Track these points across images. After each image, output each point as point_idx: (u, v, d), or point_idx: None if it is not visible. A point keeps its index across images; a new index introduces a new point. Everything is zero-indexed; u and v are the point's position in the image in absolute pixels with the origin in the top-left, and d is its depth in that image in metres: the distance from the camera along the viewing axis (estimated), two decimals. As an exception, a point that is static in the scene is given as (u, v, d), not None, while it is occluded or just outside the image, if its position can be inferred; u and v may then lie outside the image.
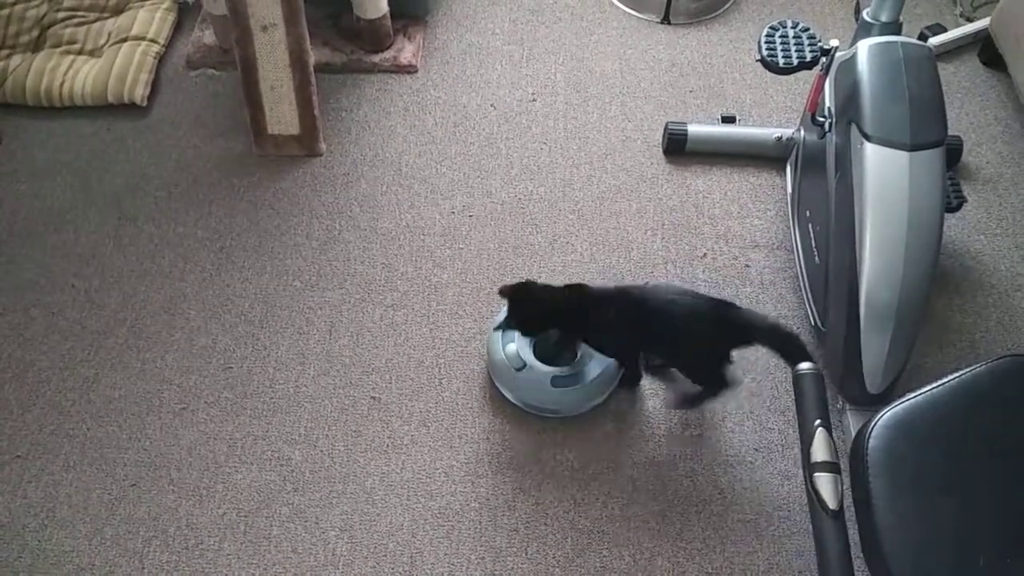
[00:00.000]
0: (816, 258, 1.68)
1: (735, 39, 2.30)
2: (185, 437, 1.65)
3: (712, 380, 1.57)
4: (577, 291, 1.54)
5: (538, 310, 1.55)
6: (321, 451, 1.62)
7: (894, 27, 1.64)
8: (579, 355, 1.64)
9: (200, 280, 1.86)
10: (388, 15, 2.20)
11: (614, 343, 1.58)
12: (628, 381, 1.67)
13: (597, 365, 1.62)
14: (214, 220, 1.96)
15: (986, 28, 2.15)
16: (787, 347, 1.47)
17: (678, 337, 1.50)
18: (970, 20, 2.29)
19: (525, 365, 1.62)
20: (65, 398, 1.70)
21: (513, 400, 1.65)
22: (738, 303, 1.54)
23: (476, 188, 2.00)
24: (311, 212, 1.97)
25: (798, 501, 1.56)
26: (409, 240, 1.92)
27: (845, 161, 1.54)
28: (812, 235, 1.72)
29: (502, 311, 1.68)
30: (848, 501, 1.08)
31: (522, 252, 1.89)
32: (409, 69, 2.23)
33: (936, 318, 1.77)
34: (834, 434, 1.12)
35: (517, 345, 1.64)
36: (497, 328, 1.65)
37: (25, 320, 1.81)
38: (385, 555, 1.51)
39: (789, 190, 1.94)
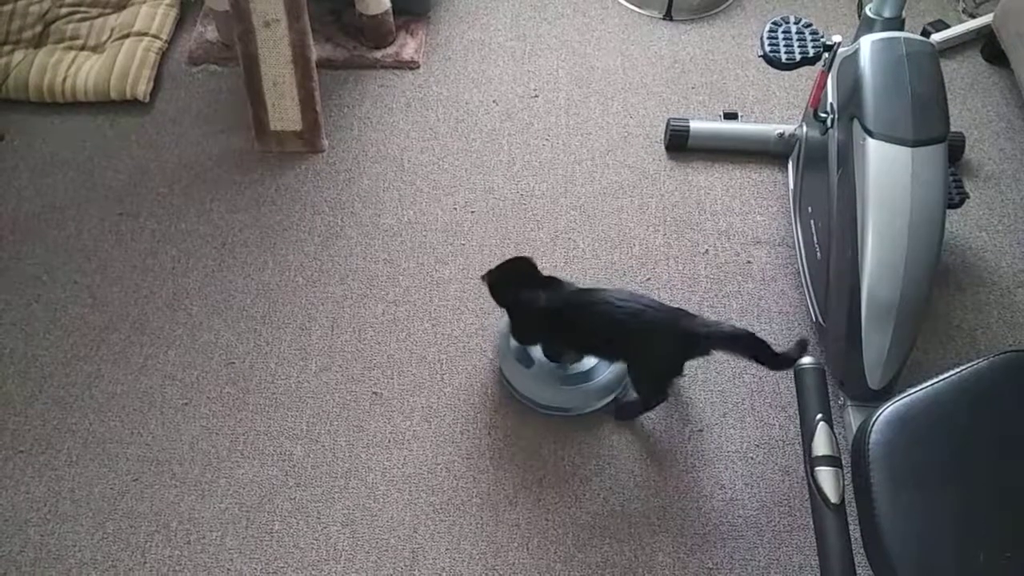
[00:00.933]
0: (818, 254, 1.68)
1: (737, 35, 2.30)
2: (187, 432, 1.65)
3: (653, 391, 1.57)
4: (546, 282, 1.54)
5: (509, 283, 1.56)
6: (323, 446, 1.63)
7: (897, 23, 1.64)
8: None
9: (202, 276, 1.86)
10: (390, 11, 2.20)
11: (534, 336, 1.60)
12: (621, 412, 1.66)
13: (605, 364, 1.62)
14: (216, 216, 1.96)
15: (989, 24, 2.15)
16: (757, 353, 1.45)
17: (629, 344, 1.50)
18: (973, 16, 2.28)
19: (534, 363, 1.62)
20: (68, 393, 1.70)
21: (522, 399, 1.65)
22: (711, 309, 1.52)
23: (478, 184, 2.00)
24: (313, 208, 1.97)
25: (799, 496, 1.56)
26: (411, 236, 1.92)
27: (847, 157, 1.53)
28: (814, 231, 1.72)
29: None
30: (849, 495, 1.08)
31: (524, 248, 1.89)
32: (411, 65, 2.23)
33: (937, 314, 1.77)
34: (835, 429, 1.12)
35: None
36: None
37: (27, 316, 1.81)
38: (387, 550, 1.51)
39: (791, 186, 1.94)
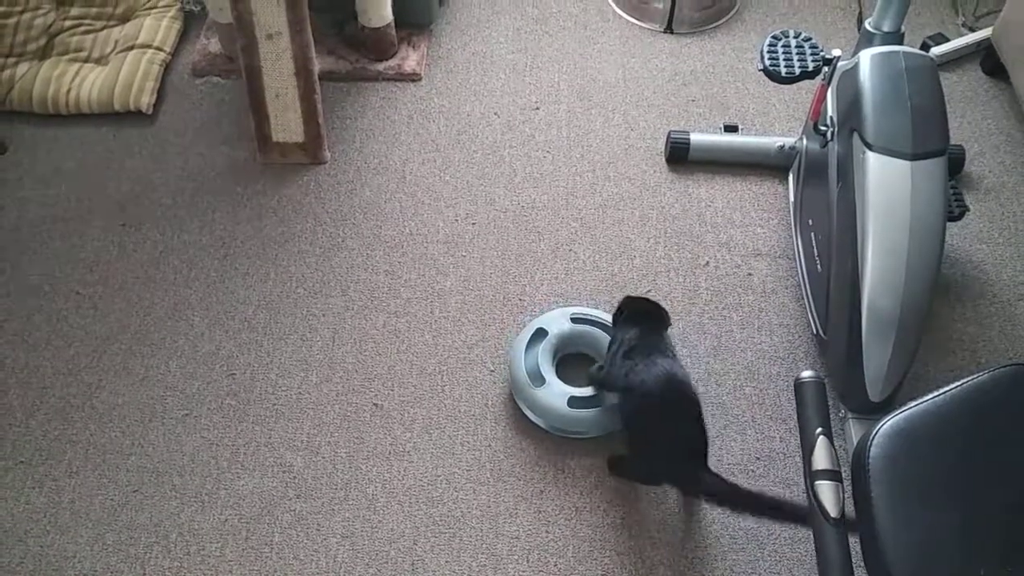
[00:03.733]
0: (818, 266, 1.69)
1: (738, 48, 2.31)
2: (188, 443, 1.65)
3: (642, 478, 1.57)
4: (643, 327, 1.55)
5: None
6: (323, 458, 1.63)
7: (896, 37, 1.65)
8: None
9: (204, 287, 1.87)
10: (392, 24, 2.21)
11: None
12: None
13: None
14: (218, 227, 1.97)
15: (988, 38, 2.16)
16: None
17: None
18: (972, 30, 2.29)
19: (544, 382, 1.61)
20: (68, 404, 1.70)
21: (533, 419, 1.64)
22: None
23: (479, 196, 2.01)
24: (315, 219, 1.98)
25: (800, 510, 1.56)
26: (412, 247, 1.92)
27: (847, 170, 1.54)
28: (814, 244, 1.72)
29: (527, 327, 1.68)
30: (849, 508, 1.08)
31: (525, 260, 1.90)
32: (413, 77, 2.24)
33: (938, 327, 1.77)
34: (835, 442, 1.12)
35: (539, 361, 1.63)
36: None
37: (29, 326, 1.82)
38: (386, 562, 1.51)
39: (791, 199, 1.95)
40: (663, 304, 1.61)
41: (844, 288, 1.52)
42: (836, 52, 1.69)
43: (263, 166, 2.08)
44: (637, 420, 1.49)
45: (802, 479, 1.55)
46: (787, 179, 2.00)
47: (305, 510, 1.57)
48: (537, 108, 2.18)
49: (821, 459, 1.08)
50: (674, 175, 2.05)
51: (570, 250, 1.91)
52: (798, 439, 1.59)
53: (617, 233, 1.94)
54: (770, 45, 1.76)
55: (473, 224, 1.96)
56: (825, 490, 1.05)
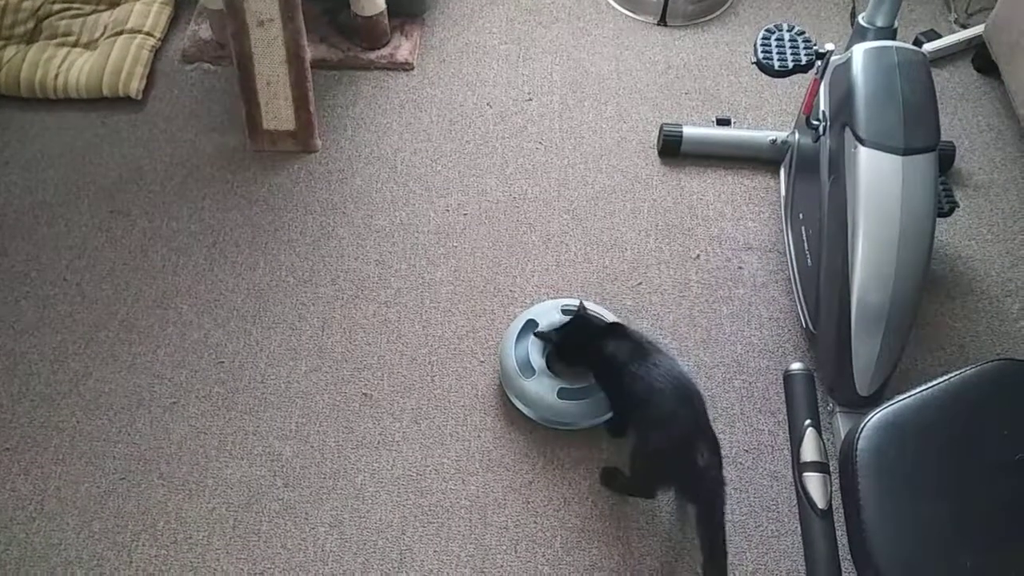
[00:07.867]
0: (809, 260, 1.69)
1: (731, 42, 2.31)
2: (175, 431, 1.64)
3: (639, 483, 1.55)
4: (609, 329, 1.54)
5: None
6: (312, 447, 1.62)
7: (889, 32, 1.65)
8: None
9: (193, 275, 1.86)
10: (385, 12, 2.20)
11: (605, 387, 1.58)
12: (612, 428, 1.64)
13: None
14: (208, 215, 1.96)
15: (980, 35, 2.16)
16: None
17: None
18: (964, 27, 2.30)
19: (535, 373, 1.61)
20: (55, 391, 1.69)
21: (522, 410, 1.64)
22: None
23: (471, 186, 2.01)
24: (305, 208, 1.97)
25: (787, 502, 1.56)
26: (403, 237, 1.92)
27: (839, 164, 1.54)
28: (805, 238, 1.73)
29: (518, 318, 1.68)
30: (837, 501, 1.09)
31: (516, 251, 1.90)
32: (405, 67, 2.23)
33: (927, 322, 1.78)
34: (824, 435, 1.12)
35: (529, 352, 1.63)
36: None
37: (16, 312, 1.80)
38: (374, 551, 1.51)
39: (783, 193, 1.95)
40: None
41: (834, 282, 1.52)
42: (829, 46, 1.69)
43: (253, 154, 2.07)
44: (655, 423, 1.45)
45: (790, 471, 1.56)
46: (779, 173, 2.01)
47: (293, 499, 1.56)
48: (530, 99, 2.17)
49: (809, 451, 1.09)
50: (666, 168, 2.05)
51: (561, 242, 1.91)
52: (787, 432, 1.60)
53: (608, 225, 1.94)
54: (763, 39, 1.76)
55: (464, 215, 1.96)
56: (813, 482, 1.06)
